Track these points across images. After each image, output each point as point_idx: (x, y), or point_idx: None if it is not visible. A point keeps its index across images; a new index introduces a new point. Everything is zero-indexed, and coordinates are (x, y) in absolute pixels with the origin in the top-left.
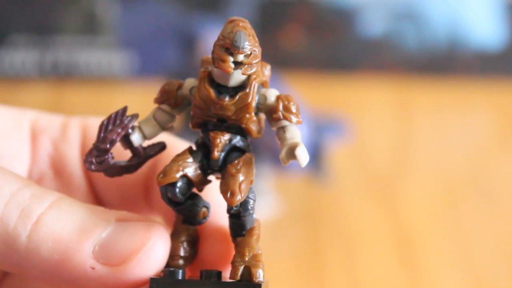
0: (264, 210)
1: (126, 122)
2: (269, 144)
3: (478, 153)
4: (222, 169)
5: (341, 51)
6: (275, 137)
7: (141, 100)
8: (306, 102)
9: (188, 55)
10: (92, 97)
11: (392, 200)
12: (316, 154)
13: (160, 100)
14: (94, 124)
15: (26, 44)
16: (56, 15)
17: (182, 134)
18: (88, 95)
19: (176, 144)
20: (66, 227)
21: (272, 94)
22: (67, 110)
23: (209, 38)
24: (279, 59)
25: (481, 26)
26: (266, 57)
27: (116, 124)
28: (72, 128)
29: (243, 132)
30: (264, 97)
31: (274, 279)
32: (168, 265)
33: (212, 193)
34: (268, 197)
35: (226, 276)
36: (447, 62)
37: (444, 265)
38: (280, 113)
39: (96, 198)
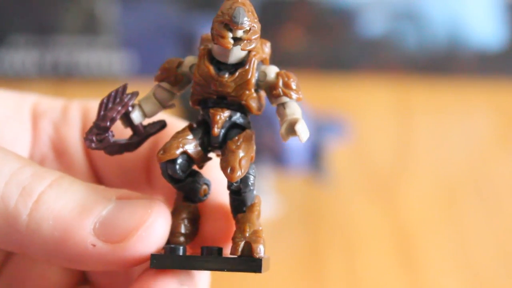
0: (264, 210)
1: (126, 100)
2: (269, 144)
3: (478, 153)
4: (222, 146)
5: (341, 51)
6: (276, 113)
7: (142, 95)
8: (306, 102)
9: (188, 54)
10: (92, 97)
11: (392, 200)
12: (316, 154)
13: (160, 77)
14: (94, 106)
15: (26, 44)
16: (56, 15)
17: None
18: (88, 95)
19: (176, 123)
20: (66, 205)
21: (272, 71)
22: None
23: None
24: (279, 59)
25: (481, 26)
26: None
27: (116, 102)
28: (73, 111)
29: (243, 109)
30: (264, 74)
31: (274, 279)
32: (169, 242)
33: (212, 170)
34: (268, 197)
35: (227, 252)
36: (447, 62)
37: (444, 265)
38: (280, 90)
39: (97, 179)
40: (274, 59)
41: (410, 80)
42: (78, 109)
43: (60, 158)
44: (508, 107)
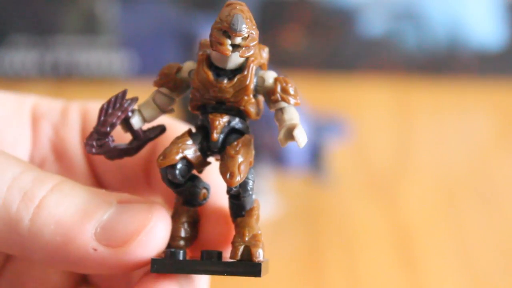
0: (264, 210)
1: (126, 105)
2: (269, 145)
3: (478, 153)
4: (222, 151)
5: (341, 51)
6: (274, 118)
7: (141, 100)
8: (306, 102)
9: (188, 55)
10: (92, 97)
11: (392, 200)
12: (316, 154)
13: (159, 83)
14: (94, 108)
15: (26, 44)
16: (56, 15)
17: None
18: (88, 95)
19: (176, 126)
20: (68, 209)
21: (270, 76)
22: None
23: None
24: (279, 59)
25: (481, 26)
26: None
27: (116, 108)
28: (72, 113)
29: (242, 114)
30: (262, 79)
31: (274, 279)
32: (169, 246)
33: (212, 175)
34: (268, 197)
35: (227, 256)
36: (447, 62)
37: (444, 264)
38: (278, 95)
39: (97, 181)
40: (275, 59)
41: (410, 80)
42: (77, 111)
43: (60, 160)
44: (508, 107)
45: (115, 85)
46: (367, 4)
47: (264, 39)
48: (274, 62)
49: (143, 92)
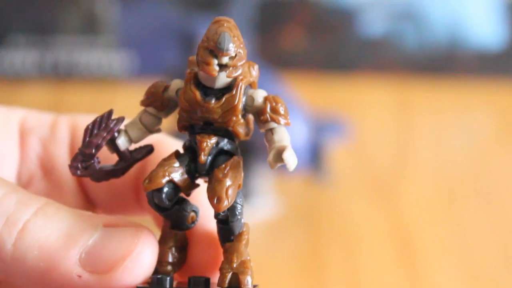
0: (264, 210)
1: (111, 125)
2: None
3: (478, 153)
4: (210, 173)
5: (341, 51)
6: (264, 139)
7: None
8: (306, 102)
9: (188, 55)
10: (92, 97)
11: (392, 200)
12: (316, 154)
13: (146, 102)
14: (83, 122)
15: (26, 44)
16: (56, 15)
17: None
18: (88, 95)
19: (166, 142)
20: (52, 234)
21: (259, 96)
22: (67, 110)
23: None
24: (279, 59)
25: (481, 26)
26: (266, 57)
27: (101, 128)
28: (61, 127)
29: (231, 135)
30: (251, 99)
31: (274, 279)
32: (156, 271)
33: (200, 197)
34: (268, 197)
35: (215, 281)
36: (447, 62)
37: (444, 264)
38: (267, 115)
39: (86, 198)
40: (275, 59)
41: (410, 80)
42: (66, 125)
43: (48, 176)
44: (508, 107)
45: (115, 85)
46: (367, 4)
47: (264, 39)
48: (274, 62)
49: (142, 92)
